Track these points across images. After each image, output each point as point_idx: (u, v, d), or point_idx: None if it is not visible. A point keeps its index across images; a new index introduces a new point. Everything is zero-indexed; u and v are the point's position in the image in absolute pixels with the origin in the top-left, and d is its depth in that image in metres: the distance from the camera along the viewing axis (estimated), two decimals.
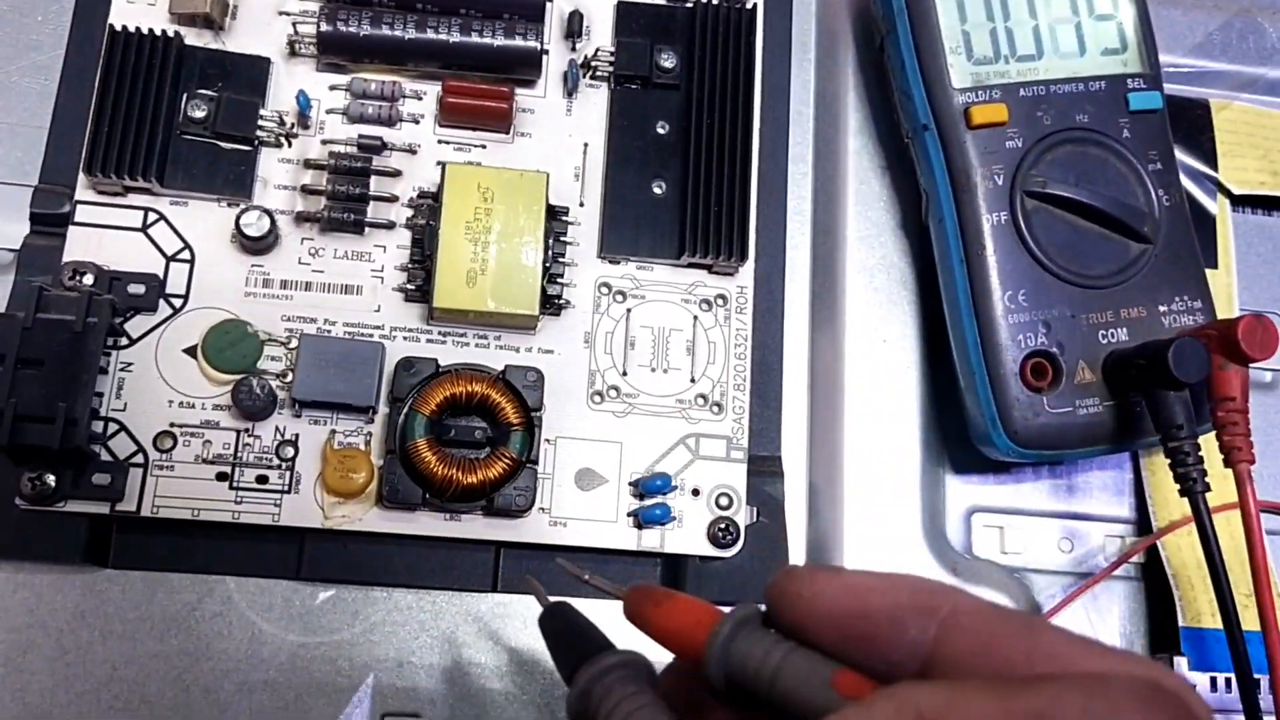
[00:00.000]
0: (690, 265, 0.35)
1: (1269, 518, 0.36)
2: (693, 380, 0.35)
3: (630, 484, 0.33)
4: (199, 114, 0.33)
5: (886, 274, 0.37)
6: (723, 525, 0.33)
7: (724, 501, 0.34)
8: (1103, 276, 0.34)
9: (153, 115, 0.33)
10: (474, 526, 0.33)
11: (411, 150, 0.35)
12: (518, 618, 0.33)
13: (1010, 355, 0.33)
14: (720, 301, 0.35)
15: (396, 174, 0.35)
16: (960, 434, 0.36)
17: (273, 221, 0.33)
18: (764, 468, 0.35)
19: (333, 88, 0.35)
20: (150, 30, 0.34)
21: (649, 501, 0.33)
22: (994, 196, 0.34)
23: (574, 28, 0.36)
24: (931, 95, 0.34)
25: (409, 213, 0.34)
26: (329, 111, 0.35)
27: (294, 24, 0.35)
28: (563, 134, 0.36)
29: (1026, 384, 0.33)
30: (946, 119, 0.34)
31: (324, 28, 0.34)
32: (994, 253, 0.34)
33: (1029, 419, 0.33)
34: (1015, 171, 0.34)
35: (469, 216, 0.33)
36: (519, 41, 0.35)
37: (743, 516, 0.34)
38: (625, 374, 0.34)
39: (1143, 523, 0.36)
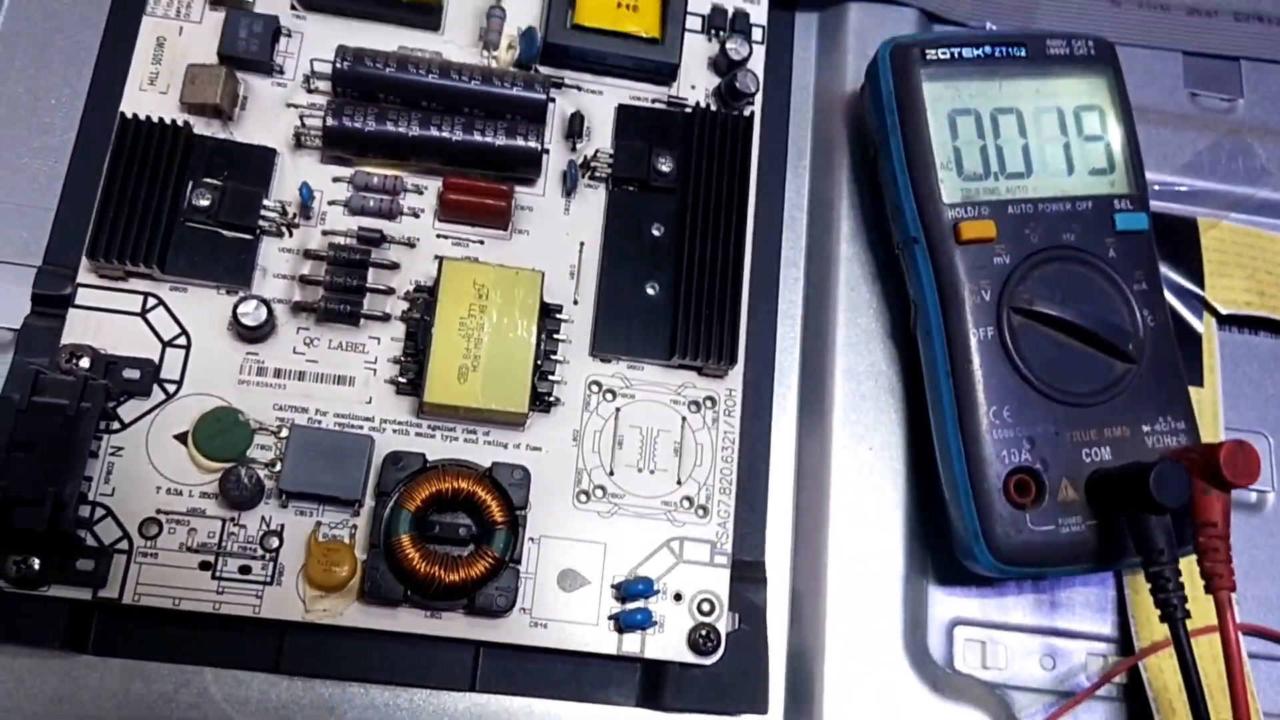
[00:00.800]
0: (681, 366, 0.36)
1: (1251, 640, 0.36)
2: (679, 482, 0.35)
3: (613, 586, 0.33)
4: (203, 202, 0.34)
5: (874, 380, 0.37)
6: (704, 632, 0.33)
7: (706, 607, 0.34)
8: (1087, 394, 0.34)
9: (158, 202, 0.34)
10: (454, 625, 0.32)
11: (410, 244, 0.36)
12: (494, 718, 0.33)
13: (994, 471, 0.33)
14: (709, 403, 0.36)
15: (394, 267, 0.35)
16: (944, 544, 0.36)
17: (270, 311, 0.33)
18: (747, 573, 0.35)
19: (336, 179, 0.36)
20: (160, 119, 0.34)
21: (631, 605, 0.33)
22: (981, 311, 0.34)
23: (574, 129, 0.37)
24: (922, 209, 0.35)
25: (405, 305, 0.35)
26: (331, 203, 0.36)
27: (301, 117, 0.36)
28: (560, 232, 0.37)
29: (1010, 500, 0.33)
30: (936, 233, 0.35)
31: (330, 122, 0.35)
32: (980, 367, 0.34)
33: (1011, 535, 0.33)
34: (1002, 287, 0.35)
35: (464, 312, 0.34)
36: (520, 142, 0.36)
37: (724, 623, 0.34)
38: (612, 473, 0.35)
39: (1125, 641, 0.36)
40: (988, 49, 0.36)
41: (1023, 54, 0.37)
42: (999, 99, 0.36)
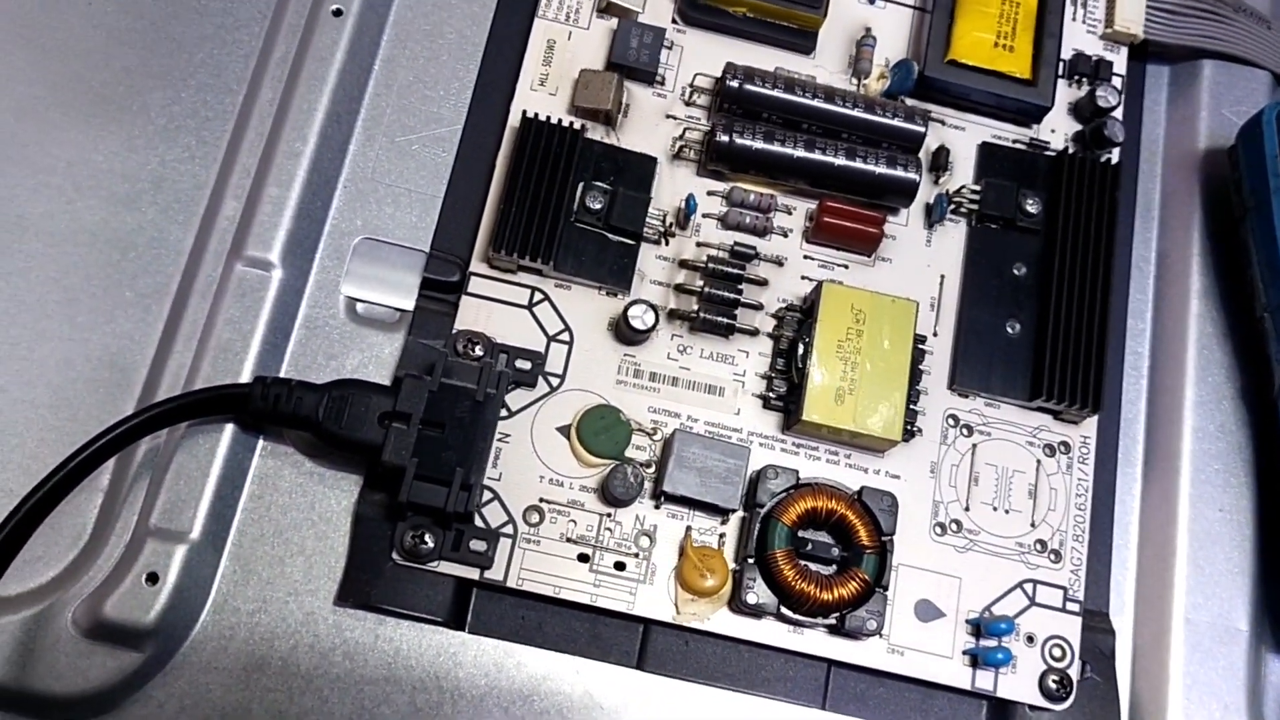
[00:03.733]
0: (1039, 409, 0.36)
1: None
2: (1033, 525, 0.35)
3: (968, 621, 0.34)
4: (595, 205, 0.35)
5: (1225, 441, 0.37)
6: (1056, 677, 0.33)
7: (1057, 653, 0.34)
8: None
9: (556, 201, 0.35)
10: (815, 642, 0.33)
11: (779, 262, 0.36)
12: None
13: None
14: (1064, 448, 0.36)
15: (764, 283, 0.36)
16: None
17: (657, 317, 0.34)
18: (1094, 623, 0.35)
19: (710, 193, 0.37)
20: (559, 120, 0.36)
21: (989, 642, 0.33)
22: None
23: (940, 162, 0.38)
24: None
25: (773, 322, 0.36)
26: (705, 215, 0.36)
27: (684, 130, 0.37)
28: (921, 264, 0.37)
29: None
30: None
31: (720, 138, 0.36)
32: None
33: None
34: None
35: (841, 335, 0.34)
36: (900, 172, 0.36)
37: (1075, 670, 0.34)
38: (968, 509, 0.35)
39: None
40: None
41: None
42: None
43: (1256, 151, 0.36)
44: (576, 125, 0.36)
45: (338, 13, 0.37)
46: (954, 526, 0.35)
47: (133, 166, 0.36)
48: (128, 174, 0.36)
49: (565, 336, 0.35)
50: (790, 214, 0.37)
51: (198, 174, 0.36)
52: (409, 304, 0.35)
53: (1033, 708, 0.33)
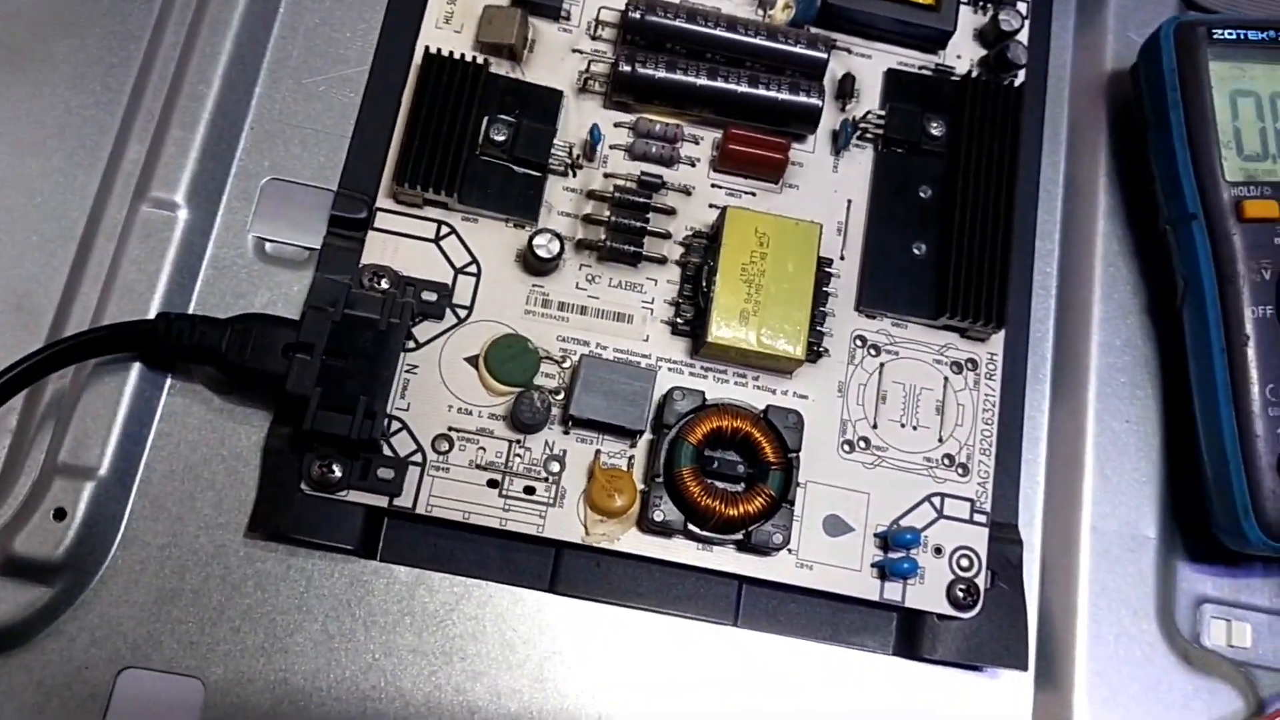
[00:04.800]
0: (945, 327, 0.36)
1: None
2: (940, 440, 0.35)
3: (875, 535, 0.34)
4: (500, 138, 0.35)
5: (1131, 355, 0.37)
6: (963, 587, 0.34)
7: (964, 563, 0.34)
8: None
9: (458, 135, 0.35)
10: (724, 558, 0.33)
11: (686, 191, 0.36)
12: (751, 653, 0.34)
13: (1268, 447, 0.33)
14: (970, 365, 0.36)
15: (671, 212, 0.36)
16: (1194, 521, 0.36)
17: (562, 246, 0.34)
18: (1002, 534, 0.35)
19: (617, 124, 0.37)
20: (462, 55, 0.36)
21: (897, 554, 0.34)
22: (1259, 290, 0.34)
23: (845, 89, 0.38)
24: (1203, 186, 0.35)
25: (680, 250, 0.36)
26: (612, 147, 0.37)
27: (588, 63, 0.37)
28: (828, 189, 0.37)
29: None
30: (1216, 211, 0.35)
31: (623, 67, 0.36)
32: (1256, 345, 0.34)
33: None
34: None
35: (745, 259, 0.34)
36: (803, 98, 0.36)
37: (982, 580, 0.34)
38: (876, 426, 0.35)
39: None
40: (1273, 33, 0.36)
41: None
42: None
43: (1155, 68, 0.37)
44: (480, 60, 0.36)
45: None
46: (862, 444, 0.35)
47: (38, 113, 0.36)
48: (34, 120, 0.36)
49: (473, 269, 0.35)
50: (698, 144, 0.37)
51: (103, 119, 0.36)
52: (317, 242, 0.35)
53: (941, 616, 0.34)
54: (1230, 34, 0.36)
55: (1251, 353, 0.34)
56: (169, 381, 0.34)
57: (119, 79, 0.36)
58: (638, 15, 0.36)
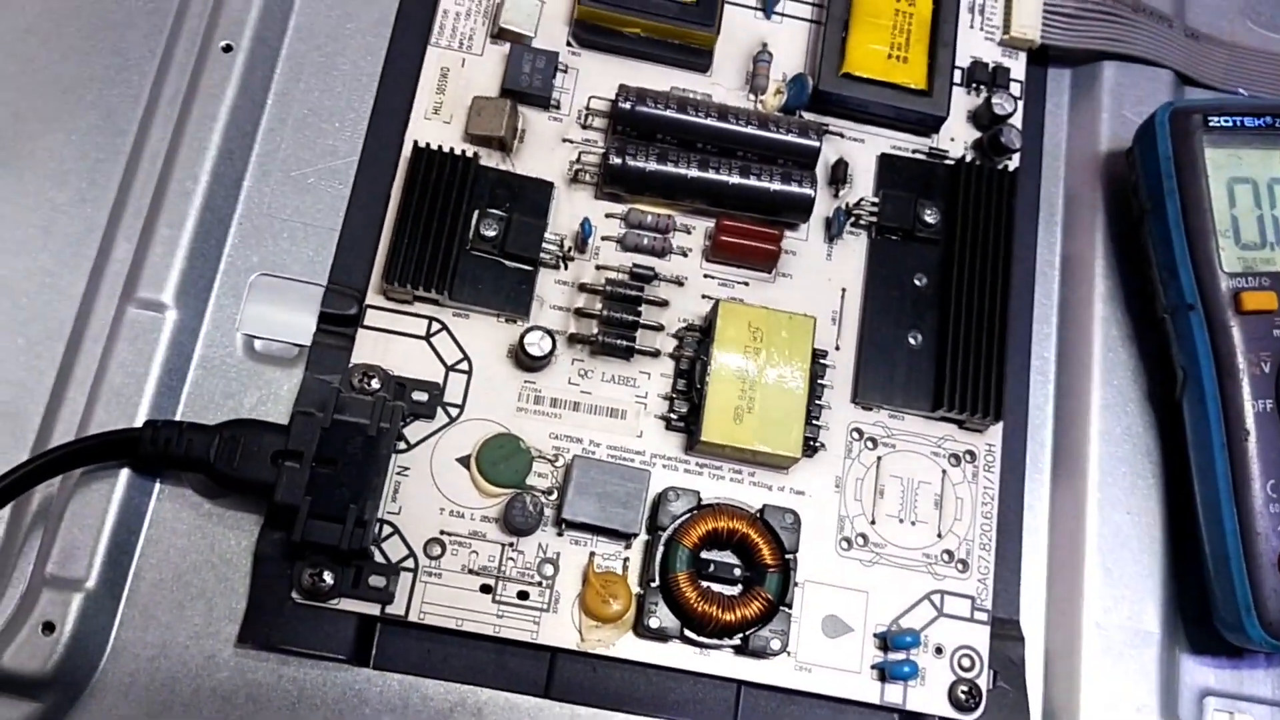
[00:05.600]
0: (943, 419, 0.36)
1: None
2: (939, 535, 0.35)
3: (876, 635, 0.34)
4: (490, 233, 0.35)
5: (1131, 444, 0.37)
6: (965, 688, 0.33)
7: (966, 663, 0.34)
8: None
9: (449, 230, 0.35)
10: (721, 662, 0.33)
11: (679, 282, 0.36)
12: None
13: (1269, 544, 0.33)
14: (969, 457, 0.36)
15: (664, 304, 0.36)
16: (1198, 613, 0.35)
17: (554, 343, 0.34)
18: (1004, 631, 0.35)
19: (608, 215, 0.37)
20: (451, 149, 0.35)
21: (897, 656, 0.33)
22: (1259, 383, 0.34)
23: (838, 175, 0.38)
24: (1200, 276, 0.35)
25: (673, 343, 0.36)
26: (604, 238, 0.36)
27: (579, 154, 0.37)
28: (822, 278, 0.37)
29: None
30: (1214, 301, 0.35)
31: (613, 160, 0.35)
32: (1257, 440, 0.34)
33: None
34: None
35: (739, 354, 0.34)
36: (795, 188, 0.36)
37: (984, 680, 0.34)
38: (874, 522, 0.35)
39: None
40: (1269, 119, 0.36)
41: None
42: (1277, 169, 0.36)
43: (1151, 153, 0.37)
44: (470, 153, 0.36)
45: (228, 49, 0.37)
46: (860, 540, 0.35)
47: (21, 212, 0.35)
48: (17, 220, 0.35)
49: (464, 366, 0.35)
50: (689, 234, 0.37)
51: (89, 217, 0.36)
52: (307, 339, 0.35)
53: (943, 719, 0.33)
54: (1226, 120, 0.36)
55: (1253, 448, 0.34)
56: (158, 486, 0.33)
57: (105, 174, 0.36)
58: (628, 106, 0.36)
